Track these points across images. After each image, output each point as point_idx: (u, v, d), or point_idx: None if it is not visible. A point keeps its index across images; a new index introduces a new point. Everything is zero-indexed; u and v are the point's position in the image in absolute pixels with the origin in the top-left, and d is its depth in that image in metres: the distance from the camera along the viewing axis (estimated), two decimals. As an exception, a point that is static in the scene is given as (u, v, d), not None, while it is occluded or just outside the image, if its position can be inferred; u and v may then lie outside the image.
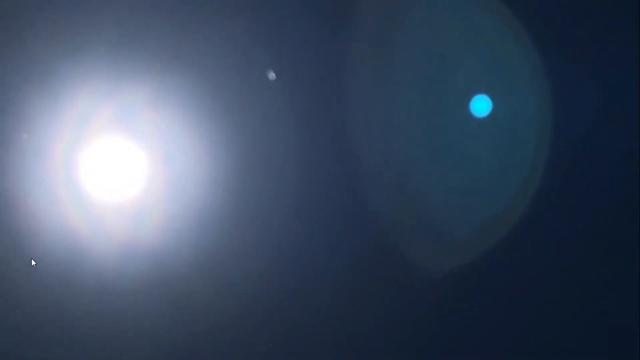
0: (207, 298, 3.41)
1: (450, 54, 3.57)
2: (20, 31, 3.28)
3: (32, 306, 3.32)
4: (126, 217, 3.35)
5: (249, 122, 3.44)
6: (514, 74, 3.61)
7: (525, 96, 3.62)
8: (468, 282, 3.59)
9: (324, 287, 3.50)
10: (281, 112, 3.46)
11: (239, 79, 3.43)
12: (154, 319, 3.37)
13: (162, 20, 3.37)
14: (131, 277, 3.35)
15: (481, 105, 3.60)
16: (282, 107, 3.46)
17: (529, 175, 3.63)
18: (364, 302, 3.53)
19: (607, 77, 3.65)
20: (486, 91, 3.59)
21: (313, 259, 3.49)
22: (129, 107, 3.34)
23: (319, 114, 3.49)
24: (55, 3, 3.30)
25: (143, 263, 3.36)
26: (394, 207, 3.57)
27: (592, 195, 3.64)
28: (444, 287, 3.56)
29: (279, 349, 3.48)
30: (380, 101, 3.55)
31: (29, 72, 3.30)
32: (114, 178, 3.34)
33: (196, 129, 3.40)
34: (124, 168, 3.35)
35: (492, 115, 3.61)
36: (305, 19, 3.47)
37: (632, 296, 3.62)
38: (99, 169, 3.33)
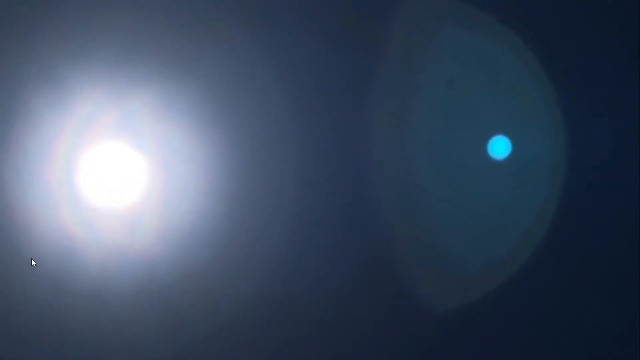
0: (203, 307, 3.39)
1: (466, 92, 3.56)
2: (24, 35, 3.27)
3: (26, 308, 3.30)
4: (124, 224, 3.33)
5: (251, 132, 3.42)
6: (528, 114, 3.61)
7: (539, 136, 3.61)
8: (469, 315, 3.57)
9: (323, 298, 3.47)
10: (285, 123, 3.44)
11: (242, 88, 3.41)
12: (147, 326, 3.35)
13: (167, 29, 3.36)
14: (126, 283, 3.33)
15: (499, 147, 3.59)
16: (287, 118, 3.44)
17: (539, 216, 3.61)
18: (361, 326, 3.50)
19: (622, 118, 3.64)
20: (500, 131, 3.59)
21: (312, 271, 3.46)
22: (131, 114, 3.34)
23: (329, 136, 3.49)
24: (60, 8, 3.29)
25: (139, 270, 3.34)
26: (402, 238, 3.55)
27: (603, 238, 3.63)
28: (446, 323, 3.55)
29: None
30: (396, 133, 3.54)
31: (31, 76, 3.29)
32: (113, 184, 3.34)
33: (197, 137, 3.39)
34: (123, 174, 3.34)
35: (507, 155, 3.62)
36: (314, 39, 3.46)
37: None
38: (98, 175, 3.32)
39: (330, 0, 3.46)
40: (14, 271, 3.28)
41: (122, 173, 3.33)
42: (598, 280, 3.61)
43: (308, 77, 3.45)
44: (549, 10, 3.60)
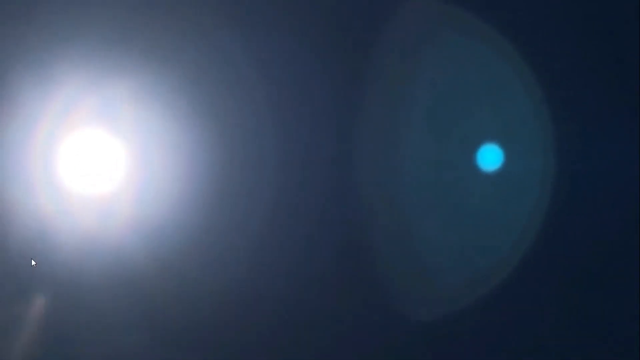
0: (174, 296, 3.36)
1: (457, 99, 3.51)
2: (5, 21, 3.25)
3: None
4: (100, 209, 3.33)
5: (231, 122, 3.41)
6: (519, 124, 3.57)
7: (529, 146, 3.57)
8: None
9: (298, 289, 3.44)
10: (265, 114, 3.42)
11: (223, 79, 3.40)
12: (116, 313, 3.33)
13: (150, 16, 3.36)
14: (97, 269, 3.31)
15: (490, 159, 3.53)
16: (267, 109, 3.42)
17: (526, 225, 3.57)
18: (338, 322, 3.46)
19: (614, 129, 3.59)
20: (490, 140, 3.54)
21: (288, 264, 3.44)
22: (111, 102, 3.33)
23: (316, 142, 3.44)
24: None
25: (111, 256, 3.33)
26: (390, 247, 3.50)
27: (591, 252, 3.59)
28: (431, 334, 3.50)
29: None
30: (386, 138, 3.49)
31: (12, 61, 3.29)
32: (91, 170, 3.34)
33: (176, 126, 3.37)
34: (101, 161, 3.34)
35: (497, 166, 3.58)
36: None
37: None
38: (76, 160, 3.32)
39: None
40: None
41: (100, 160, 3.33)
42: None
43: (291, 71, 3.43)
44: (544, 16, 3.56)
